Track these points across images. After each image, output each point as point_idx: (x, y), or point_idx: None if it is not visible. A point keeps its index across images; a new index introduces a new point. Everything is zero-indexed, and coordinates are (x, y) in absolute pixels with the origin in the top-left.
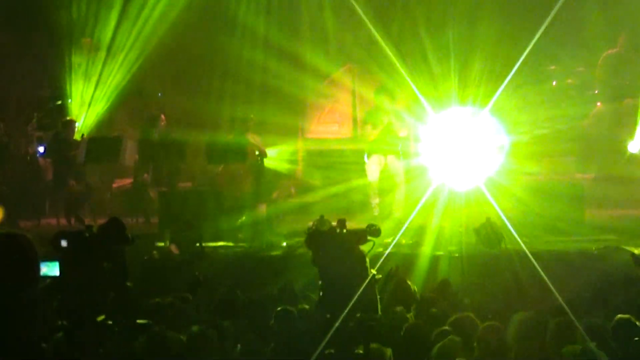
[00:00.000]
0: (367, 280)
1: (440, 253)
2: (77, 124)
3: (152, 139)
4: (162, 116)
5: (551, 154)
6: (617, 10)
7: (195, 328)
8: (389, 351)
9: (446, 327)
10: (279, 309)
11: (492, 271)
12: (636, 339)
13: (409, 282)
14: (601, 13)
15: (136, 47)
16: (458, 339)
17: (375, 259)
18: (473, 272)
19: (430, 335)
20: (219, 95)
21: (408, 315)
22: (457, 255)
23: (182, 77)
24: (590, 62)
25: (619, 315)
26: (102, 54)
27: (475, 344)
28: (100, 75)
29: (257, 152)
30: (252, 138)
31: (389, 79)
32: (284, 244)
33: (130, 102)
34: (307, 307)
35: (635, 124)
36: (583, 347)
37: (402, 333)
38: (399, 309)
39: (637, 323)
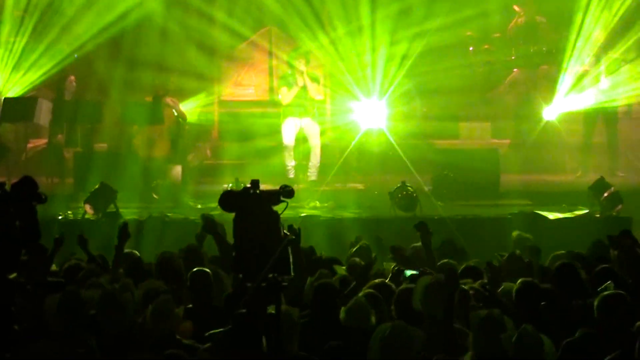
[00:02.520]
0: (280, 241)
1: (354, 216)
2: None
3: (64, 100)
4: (72, 77)
5: (467, 118)
6: None
7: (107, 288)
8: (296, 311)
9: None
10: (195, 270)
11: (405, 235)
12: (543, 303)
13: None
14: None
15: (52, 10)
16: (364, 300)
17: (289, 221)
18: (386, 236)
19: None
20: (135, 58)
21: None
22: (371, 218)
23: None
24: (506, 29)
25: (522, 279)
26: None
27: (392, 307)
28: (15, 37)
29: (175, 115)
30: (171, 101)
31: (306, 42)
32: (199, 206)
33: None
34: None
35: (550, 90)
36: (488, 312)
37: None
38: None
39: (542, 286)
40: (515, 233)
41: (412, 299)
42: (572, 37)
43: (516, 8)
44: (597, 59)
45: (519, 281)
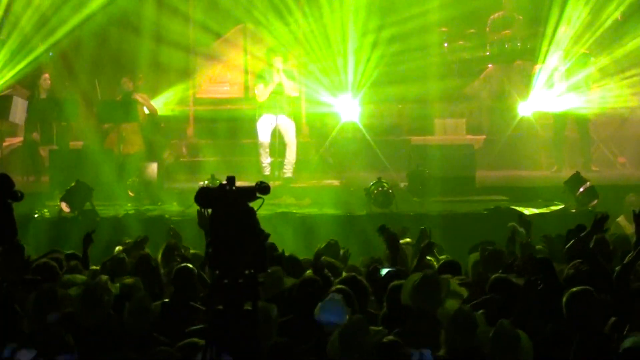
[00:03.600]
0: (256, 237)
1: (329, 213)
2: None
3: (39, 98)
4: (46, 75)
5: (441, 114)
6: None
7: (84, 285)
8: (274, 308)
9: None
10: (180, 266)
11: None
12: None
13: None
14: None
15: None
16: (339, 296)
17: (265, 217)
18: (361, 232)
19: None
20: (109, 55)
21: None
22: (347, 215)
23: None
24: (481, 25)
25: (494, 275)
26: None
27: (384, 302)
28: None
29: (147, 111)
30: (141, 98)
31: (282, 40)
32: (175, 203)
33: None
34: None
35: (525, 86)
36: (459, 308)
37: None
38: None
39: (514, 280)
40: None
41: (402, 294)
42: (548, 33)
43: None
44: (567, 55)
45: (492, 277)
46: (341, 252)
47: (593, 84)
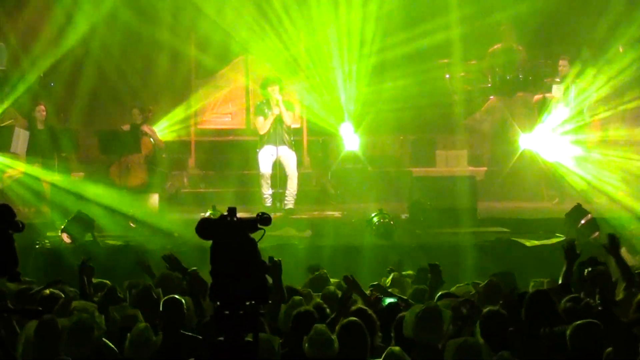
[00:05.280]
0: (258, 269)
1: (329, 244)
2: None
3: (38, 129)
4: (42, 106)
5: (443, 146)
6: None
7: (80, 316)
8: (277, 340)
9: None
10: (167, 297)
11: (382, 263)
12: (511, 328)
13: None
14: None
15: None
16: (322, 327)
17: (266, 249)
18: (364, 264)
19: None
20: (114, 85)
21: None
22: (348, 246)
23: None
24: (482, 56)
25: (488, 307)
26: None
27: (379, 333)
28: None
29: (153, 143)
30: (149, 130)
31: (282, 69)
32: (176, 234)
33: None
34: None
35: (527, 117)
36: (464, 340)
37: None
38: (297, 298)
39: (505, 314)
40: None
41: (404, 326)
42: (549, 65)
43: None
44: (567, 86)
45: (485, 309)
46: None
47: (594, 115)
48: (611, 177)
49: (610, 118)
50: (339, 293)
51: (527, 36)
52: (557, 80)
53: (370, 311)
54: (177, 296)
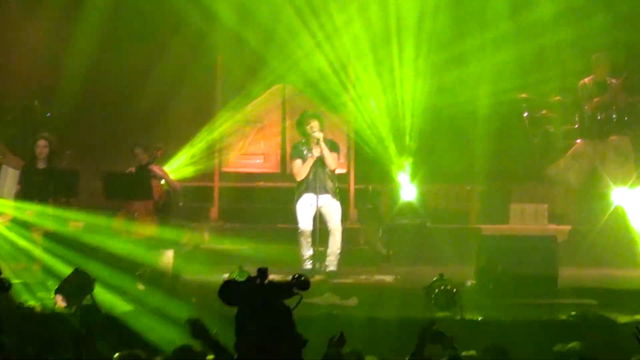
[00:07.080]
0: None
1: (380, 316)
2: None
3: (35, 169)
4: (43, 142)
5: (519, 199)
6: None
7: None
8: None
9: None
10: None
11: None
12: None
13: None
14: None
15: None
16: None
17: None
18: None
19: None
20: (119, 117)
21: None
22: (401, 319)
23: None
24: (568, 91)
25: None
26: None
27: None
28: None
29: (164, 187)
30: (159, 170)
31: (326, 103)
32: (194, 299)
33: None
34: None
35: (621, 166)
36: None
37: None
38: None
39: None
40: None
41: None
42: None
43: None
44: None
45: None
46: None
47: None
48: None
49: None
50: None
51: (623, 68)
52: None
53: None
54: None
